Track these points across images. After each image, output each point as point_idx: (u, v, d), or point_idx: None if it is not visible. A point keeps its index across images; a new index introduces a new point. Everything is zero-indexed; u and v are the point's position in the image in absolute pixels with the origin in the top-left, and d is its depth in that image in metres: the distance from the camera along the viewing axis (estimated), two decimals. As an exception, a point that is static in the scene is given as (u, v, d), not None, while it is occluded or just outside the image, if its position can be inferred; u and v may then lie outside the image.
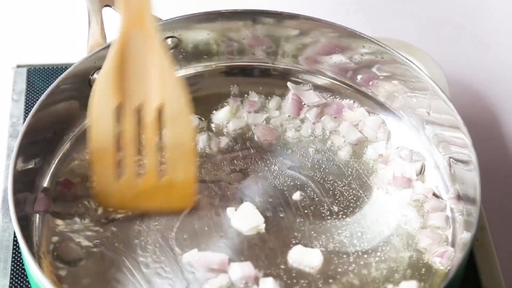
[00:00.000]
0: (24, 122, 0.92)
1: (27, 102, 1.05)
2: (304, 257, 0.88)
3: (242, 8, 1.00)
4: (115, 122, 0.89)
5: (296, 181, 0.95)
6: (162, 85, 0.88)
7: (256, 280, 0.87)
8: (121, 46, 0.86)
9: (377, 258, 0.89)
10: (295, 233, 0.91)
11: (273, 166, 0.96)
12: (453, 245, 0.90)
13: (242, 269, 0.87)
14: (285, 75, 1.04)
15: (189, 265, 0.88)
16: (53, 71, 1.09)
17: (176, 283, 0.87)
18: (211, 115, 1.01)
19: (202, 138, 0.98)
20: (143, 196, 0.91)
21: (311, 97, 1.02)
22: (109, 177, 0.90)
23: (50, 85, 0.93)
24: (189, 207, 0.92)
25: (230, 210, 0.92)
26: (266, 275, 0.87)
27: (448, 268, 0.88)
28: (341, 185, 0.95)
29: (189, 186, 0.91)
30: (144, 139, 0.89)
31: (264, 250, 0.89)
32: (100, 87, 0.88)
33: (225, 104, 1.02)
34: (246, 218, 0.90)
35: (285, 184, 0.95)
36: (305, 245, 0.89)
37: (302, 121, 1.01)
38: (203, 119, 1.00)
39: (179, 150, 0.89)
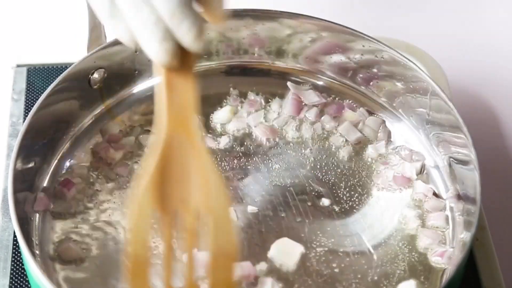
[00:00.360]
0: (24, 121, 0.92)
1: (27, 101, 1.05)
2: (286, 253, 0.88)
3: (242, 7, 1.00)
4: (152, 230, 0.81)
5: (296, 181, 0.95)
6: (205, 188, 0.80)
7: (256, 280, 0.87)
8: (164, 151, 0.79)
9: (377, 258, 0.89)
10: (295, 233, 0.91)
11: (273, 165, 0.96)
12: (453, 244, 0.90)
13: (242, 269, 0.87)
14: (285, 75, 1.04)
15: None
16: (53, 70, 1.09)
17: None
18: (211, 115, 1.01)
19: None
20: None
21: (311, 97, 1.02)
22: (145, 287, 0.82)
23: (50, 84, 0.93)
24: None
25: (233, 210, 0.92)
26: (265, 274, 0.87)
27: (448, 267, 0.88)
28: (341, 185, 0.95)
29: None
30: (182, 248, 0.82)
31: (265, 250, 0.89)
32: (142, 197, 0.80)
33: (225, 104, 1.02)
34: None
35: (285, 184, 0.95)
36: (305, 245, 0.89)
37: (302, 121, 1.01)
38: (203, 118, 1.00)
39: (222, 258, 0.82)
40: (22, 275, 0.91)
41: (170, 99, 0.78)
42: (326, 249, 0.90)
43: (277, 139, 0.99)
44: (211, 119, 1.01)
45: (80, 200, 0.93)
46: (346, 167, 0.97)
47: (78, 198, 0.93)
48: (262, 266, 0.88)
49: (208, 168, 0.80)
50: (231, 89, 1.03)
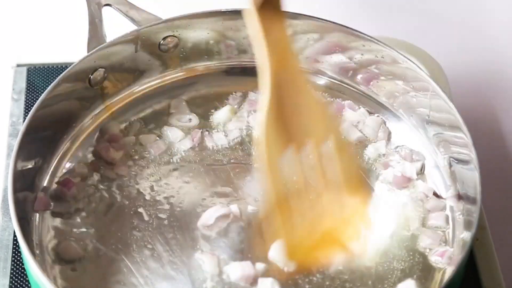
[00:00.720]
0: (24, 121, 0.92)
1: (27, 101, 1.05)
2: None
3: (242, 7, 1.00)
4: (284, 170, 0.84)
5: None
6: (319, 121, 0.85)
7: (255, 280, 0.87)
8: (273, 90, 0.83)
9: (377, 257, 0.89)
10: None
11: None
12: (453, 244, 0.90)
13: (242, 269, 0.87)
14: (285, 75, 1.04)
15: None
16: (53, 70, 1.09)
17: (177, 281, 0.87)
18: (211, 114, 1.01)
19: (202, 138, 0.98)
20: (327, 239, 0.87)
21: (311, 96, 1.02)
22: (293, 228, 0.85)
23: (50, 84, 0.93)
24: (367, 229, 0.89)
25: (234, 207, 0.92)
26: (265, 274, 0.87)
27: (448, 267, 0.88)
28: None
29: (364, 213, 0.89)
30: (314, 180, 0.86)
31: (265, 249, 0.89)
32: (265, 136, 0.83)
33: (225, 103, 1.02)
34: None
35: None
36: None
37: (302, 120, 1.01)
38: (203, 118, 1.00)
39: (351, 183, 0.86)
40: (22, 275, 0.91)
41: (268, 42, 0.82)
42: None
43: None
44: (211, 119, 1.01)
45: (80, 200, 0.93)
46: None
47: (78, 197, 0.93)
48: (262, 266, 0.88)
49: (314, 97, 0.85)
50: (231, 88, 1.03)
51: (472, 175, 0.88)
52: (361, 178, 0.87)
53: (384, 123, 1.00)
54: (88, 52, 0.97)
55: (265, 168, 0.84)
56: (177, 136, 0.98)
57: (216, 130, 1.00)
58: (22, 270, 0.91)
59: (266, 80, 0.82)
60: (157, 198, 0.93)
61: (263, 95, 0.83)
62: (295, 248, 0.86)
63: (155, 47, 1.01)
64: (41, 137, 0.93)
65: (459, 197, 0.93)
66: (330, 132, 0.84)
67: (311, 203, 0.85)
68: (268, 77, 0.82)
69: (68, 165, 0.96)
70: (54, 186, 0.94)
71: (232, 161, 0.97)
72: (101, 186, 0.94)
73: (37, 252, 0.89)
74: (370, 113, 1.01)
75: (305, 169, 0.84)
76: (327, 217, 0.86)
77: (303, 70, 0.85)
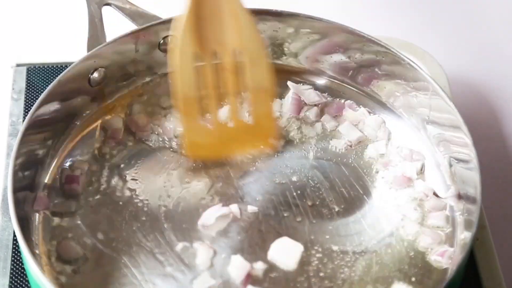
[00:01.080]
0: (23, 121, 0.92)
1: (27, 101, 1.05)
2: (286, 252, 0.89)
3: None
4: (197, 70, 0.91)
5: (296, 180, 0.95)
6: (238, 29, 0.90)
7: (254, 278, 0.87)
8: None
9: (377, 257, 0.89)
10: (295, 232, 0.90)
11: (273, 164, 0.96)
12: (453, 244, 0.90)
13: (241, 269, 0.87)
14: (285, 75, 1.04)
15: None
16: (53, 70, 1.09)
17: (177, 281, 0.87)
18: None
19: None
20: (232, 140, 0.95)
21: (312, 96, 1.02)
22: (197, 126, 0.93)
23: (49, 84, 0.93)
24: (274, 148, 0.96)
25: (234, 207, 0.92)
26: (265, 274, 0.87)
27: (448, 267, 0.88)
28: (341, 184, 0.95)
29: (271, 125, 0.95)
30: (225, 84, 0.93)
31: (265, 249, 0.89)
32: (180, 37, 0.90)
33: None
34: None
35: (286, 183, 0.95)
36: (305, 244, 0.89)
37: (302, 120, 1.01)
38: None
39: (260, 92, 0.93)
40: (21, 275, 0.91)
41: None
42: (326, 248, 0.90)
43: (277, 139, 0.99)
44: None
45: (79, 199, 0.93)
46: (346, 166, 0.97)
47: (78, 197, 0.93)
48: (262, 265, 0.88)
49: (239, 9, 0.89)
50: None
51: (472, 175, 0.88)
52: (270, 88, 0.93)
53: (384, 123, 1.00)
54: (88, 51, 0.97)
55: (176, 69, 0.91)
56: (178, 129, 0.99)
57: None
58: (22, 270, 0.91)
59: None
60: (157, 197, 0.93)
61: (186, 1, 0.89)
62: (196, 145, 0.94)
63: (155, 46, 1.01)
64: (40, 136, 0.93)
65: (459, 196, 0.93)
66: (246, 43, 0.91)
67: (217, 108, 0.94)
68: None
69: (68, 164, 0.96)
70: (54, 185, 0.94)
71: (231, 160, 0.97)
72: (101, 186, 0.94)
73: (37, 252, 0.89)
74: (370, 113, 1.01)
75: (216, 75, 0.92)
76: (235, 117, 0.94)
77: None
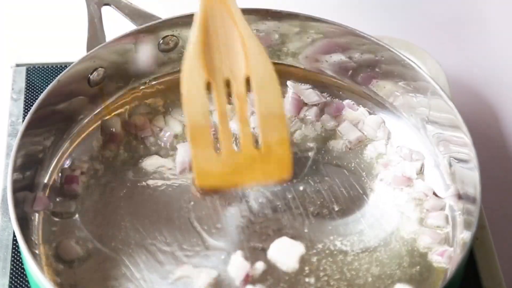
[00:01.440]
0: (23, 121, 0.92)
1: (26, 101, 1.05)
2: (286, 252, 0.89)
3: (241, 6, 1.00)
4: (207, 98, 0.91)
5: (296, 180, 0.95)
6: (247, 55, 0.90)
7: (254, 278, 0.87)
8: (203, 22, 0.89)
9: (377, 257, 0.89)
10: (295, 232, 0.90)
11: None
12: (453, 244, 0.90)
13: (242, 267, 0.87)
14: (285, 74, 1.03)
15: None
16: (53, 70, 1.09)
17: (177, 280, 0.87)
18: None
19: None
20: (243, 169, 0.93)
21: (311, 96, 1.02)
22: (208, 154, 0.92)
23: (49, 84, 0.93)
24: (288, 177, 0.94)
25: (234, 209, 0.92)
26: (265, 274, 0.87)
27: (448, 267, 0.88)
28: (341, 184, 0.95)
29: (284, 154, 0.93)
30: (235, 112, 0.92)
31: (264, 249, 0.89)
32: (189, 65, 0.90)
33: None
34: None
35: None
36: (305, 244, 0.89)
37: (302, 120, 1.01)
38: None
39: (270, 118, 0.92)
40: (21, 275, 0.91)
41: None
42: (326, 248, 0.90)
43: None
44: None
45: (79, 199, 0.93)
46: (346, 166, 0.97)
47: (77, 197, 0.93)
48: (262, 265, 0.88)
49: (247, 35, 0.90)
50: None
51: (472, 175, 0.88)
52: (281, 115, 0.92)
53: (384, 122, 1.00)
54: (87, 51, 0.97)
55: (185, 97, 0.90)
56: (177, 130, 0.99)
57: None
58: (22, 270, 0.91)
59: (198, 11, 0.89)
60: (157, 197, 0.93)
61: (194, 26, 0.89)
62: (206, 174, 0.92)
63: (155, 46, 1.01)
64: (40, 136, 0.93)
65: (459, 196, 0.93)
66: (255, 69, 0.90)
67: (228, 136, 0.92)
68: (201, 8, 0.89)
69: (67, 164, 0.96)
70: (54, 185, 0.94)
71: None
72: (101, 186, 0.94)
73: (37, 252, 0.89)
74: (369, 112, 1.01)
75: (224, 103, 0.91)
76: (246, 145, 0.92)
77: (237, 5, 0.91)
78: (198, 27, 0.89)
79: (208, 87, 0.91)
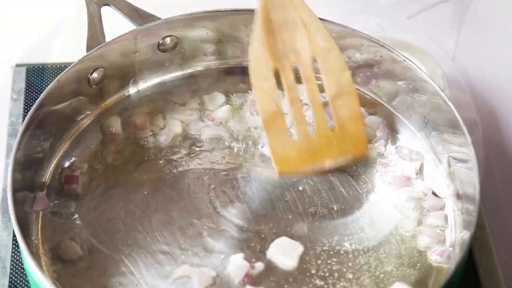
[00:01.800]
0: (23, 121, 0.92)
1: (26, 101, 1.05)
2: (285, 252, 0.89)
3: (241, 7, 1.00)
4: (276, 86, 0.92)
5: (295, 180, 0.95)
6: (310, 36, 0.91)
7: (253, 278, 0.87)
8: (264, 12, 0.90)
9: (376, 257, 0.89)
10: (295, 232, 0.91)
11: (273, 164, 0.96)
12: (452, 243, 0.90)
13: (241, 267, 0.87)
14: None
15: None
16: (52, 70, 1.09)
17: (177, 280, 0.87)
18: (211, 112, 1.01)
19: (203, 136, 0.99)
20: (319, 151, 0.93)
21: (311, 96, 1.02)
22: (284, 140, 0.93)
23: (49, 84, 0.93)
24: (365, 152, 0.95)
25: (234, 209, 0.92)
26: (265, 273, 0.87)
27: (447, 266, 0.88)
28: (341, 184, 0.95)
29: (359, 129, 0.94)
30: (306, 96, 0.93)
31: (264, 249, 0.89)
32: (256, 56, 0.91)
33: (225, 103, 1.02)
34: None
35: (285, 183, 0.95)
36: (305, 244, 0.89)
37: (302, 120, 1.01)
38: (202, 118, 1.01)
39: (340, 96, 0.93)
40: (21, 275, 0.91)
41: None
42: (326, 248, 0.90)
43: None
44: (211, 118, 1.01)
45: (79, 199, 0.93)
46: (346, 166, 0.97)
47: (77, 196, 0.93)
48: (262, 265, 0.88)
49: (308, 15, 0.91)
50: (231, 88, 1.03)
51: (471, 174, 0.88)
52: (352, 92, 0.93)
53: (384, 122, 1.00)
54: (87, 52, 0.97)
55: (254, 86, 0.91)
56: (177, 130, 0.99)
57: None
58: (22, 270, 0.91)
59: (259, 3, 0.90)
60: (156, 197, 0.93)
61: (257, 18, 0.90)
62: (284, 160, 0.93)
63: (155, 46, 1.01)
64: (40, 137, 0.93)
65: (458, 196, 0.93)
66: (320, 50, 0.92)
67: (302, 120, 0.93)
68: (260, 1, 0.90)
69: (68, 164, 0.96)
70: (54, 185, 0.94)
71: (232, 160, 0.97)
72: (100, 186, 0.94)
73: (37, 251, 0.89)
74: (369, 113, 1.01)
75: (294, 88, 0.92)
76: (321, 127, 0.93)
77: None
78: (260, 17, 0.90)
79: (277, 75, 0.92)
